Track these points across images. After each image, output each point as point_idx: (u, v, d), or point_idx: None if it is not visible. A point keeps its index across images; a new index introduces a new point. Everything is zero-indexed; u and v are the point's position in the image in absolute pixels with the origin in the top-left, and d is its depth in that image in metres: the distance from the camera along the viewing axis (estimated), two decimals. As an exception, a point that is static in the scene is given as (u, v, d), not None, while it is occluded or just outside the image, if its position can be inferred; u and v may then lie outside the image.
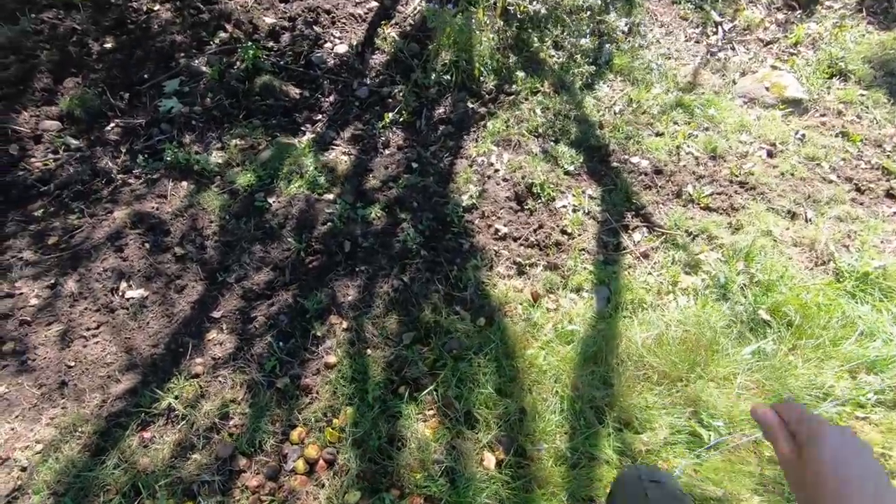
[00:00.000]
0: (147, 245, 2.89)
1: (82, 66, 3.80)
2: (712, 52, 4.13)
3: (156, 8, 4.22)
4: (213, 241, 2.92)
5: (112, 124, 3.52)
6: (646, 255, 2.95)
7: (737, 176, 3.31)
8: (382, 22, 4.33)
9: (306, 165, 3.24)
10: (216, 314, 2.70)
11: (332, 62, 4.04)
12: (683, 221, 3.07)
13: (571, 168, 3.29)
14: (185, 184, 3.17)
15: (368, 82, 3.94)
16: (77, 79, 3.74)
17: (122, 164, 3.30)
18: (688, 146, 3.45)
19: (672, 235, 3.01)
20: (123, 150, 3.40)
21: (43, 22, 4.00)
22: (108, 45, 3.97)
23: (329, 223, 2.99)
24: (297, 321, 2.67)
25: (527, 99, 3.67)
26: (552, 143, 3.40)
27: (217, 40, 4.05)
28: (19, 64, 3.76)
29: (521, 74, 3.78)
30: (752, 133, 3.55)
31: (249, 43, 4.00)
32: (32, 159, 3.34)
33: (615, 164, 3.36)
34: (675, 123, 3.58)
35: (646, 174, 3.31)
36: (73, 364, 2.52)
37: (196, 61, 3.88)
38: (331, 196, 3.15)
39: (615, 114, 3.64)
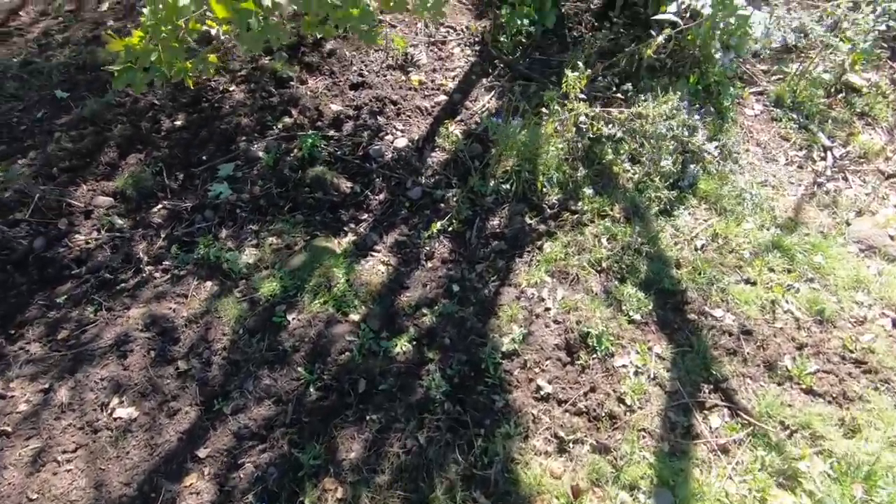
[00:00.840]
0: (153, 353, 2.46)
1: (148, 143, 3.57)
2: (819, 183, 3.32)
3: (231, 88, 3.99)
4: (221, 357, 2.46)
5: (160, 206, 3.21)
6: (725, 450, 2.18)
7: (851, 351, 2.47)
8: (447, 119, 3.87)
9: (337, 278, 2.73)
10: (202, 452, 2.20)
11: (390, 156, 3.60)
12: (778, 408, 2.27)
13: (638, 316, 2.58)
14: (209, 284, 2.75)
15: (423, 182, 3.44)
16: (141, 155, 3.50)
17: (155, 253, 2.94)
18: (786, 302, 2.65)
19: (762, 428, 2.22)
20: (163, 236, 3.06)
21: (127, 95, 3.86)
22: (178, 123, 3.74)
23: (347, 353, 2.45)
24: (287, 478, 2.11)
25: (592, 221, 3.02)
26: (616, 282, 2.71)
27: (280, 125, 3.73)
28: (94, 136, 3.58)
29: (588, 192, 3.14)
30: (872, 293, 2.70)
31: (311, 131, 3.64)
32: (77, 236, 3.07)
33: (692, 315, 2.61)
34: (771, 270, 2.80)
35: (730, 334, 2.54)
36: (35, 497, 2.09)
37: (255, 146, 3.56)
38: (356, 317, 2.61)
39: (696, 250, 2.90)
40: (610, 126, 3.14)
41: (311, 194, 3.28)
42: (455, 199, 3.26)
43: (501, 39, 4.30)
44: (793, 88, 3.87)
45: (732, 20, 3.50)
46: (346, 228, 3.11)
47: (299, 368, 2.38)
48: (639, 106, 3.32)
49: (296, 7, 2.87)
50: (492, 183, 3.26)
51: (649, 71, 3.97)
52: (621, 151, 3.38)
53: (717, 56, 3.68)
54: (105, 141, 3.53)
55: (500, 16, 4.36)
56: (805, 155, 3.52)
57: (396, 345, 2.46)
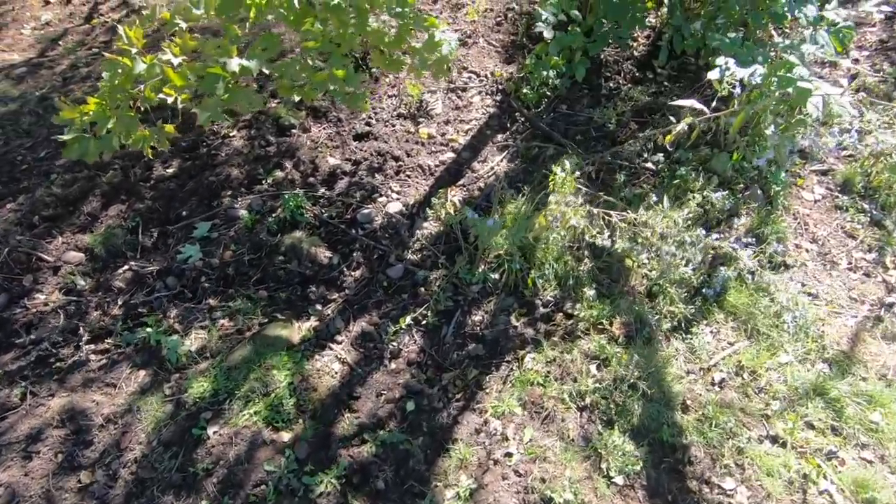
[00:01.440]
0: (60, 457, 2.14)
1: (133, 193, 3.31)
2: (889, 304, 2.56)
3: (232, 134, 3.69)
4: (129, 472, 2.10)
5: (126, 267, 2.93)
6: None
7: (908, 571, 1.78)
8: (449, 183, 3.37)
9: (277, 382, 2.32)
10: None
11: (379, 222, 3.15)
12: None
13: (620, 478, 1.99)
14: (142, 374, 2.41)
15: (408, 257, 2.97)
16: (123, 206, 3.26)
17: (103, 326, 2.64)
18: (824, 479, 1.97)
19: None
20: (120, 303, 2.76)
21: (131, 134, 3.65)
22: (171, 171, 3.47)
23: (262, 487, 2.03)
24: None
25: (587, 333, 2.43)
26: (601, 426, 2.12)
27: (271, 179, 3.37)
28: (84, 181, 3.36)
29: (590, 293, 2.55)
30: (947, 480, 1.97)
31: (301, 189, 3.26)
32: (39, 295, 2.83)
33: (693, 483, 1.99)
34: (809, 426, 2.11)
35: (742, 520, 1.90)
36: None
37: (239, 203, 3.22)
38: (287, 436, 2.18)
39: (712, 385, 2.25)
40: (608, 235, 2.53)
41: (284, 265, 2.89)
42: (438, 283, 2.76)
43: (525, 91, 3.75)
44: (866, 171, 3.08)
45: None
46: (311, 310, 2.69)
47: (203, 503, 1.97)
48: (653, 211, 2.68)
49: (268, 71, 2.49)
50: (481, 269, 2.74)
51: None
52: (639, 240, 2.76)
53: (770, 132, 2.97)
54: (93, 188, 3.31)
55: (525, 66, 3.82)
56: (875, 259, 2.75)
57: (321, 482, 2.00)
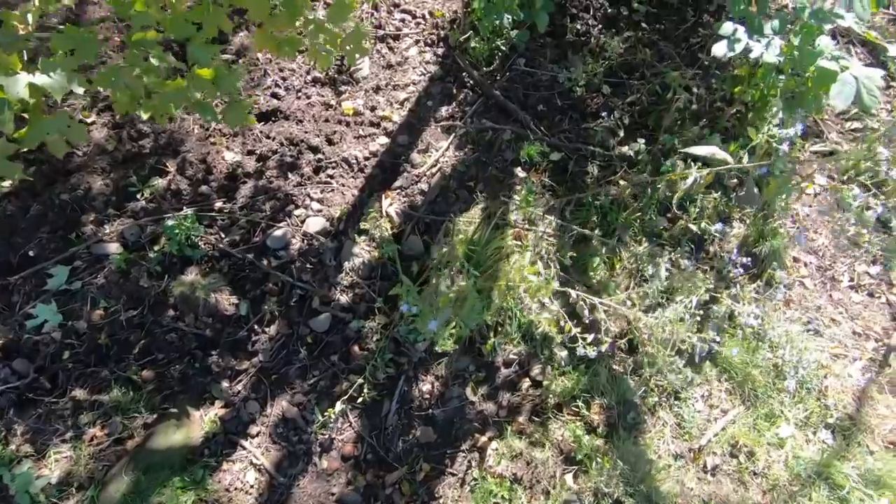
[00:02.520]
0: None
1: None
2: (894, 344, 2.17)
3: (90, 121, 2.70)
4: None
5: None
6: None
7: None
8: (384, 185, 2.61)
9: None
10: None
11: (296, 247, 2.43)
12: None
13: None
14: None
15: (335, 299, 2.31)
16: None
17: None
18: None
19: None
20: None
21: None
22: (5, 186, 2.53)
23: None
24: None
25: (559, 412, 1.95)
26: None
27: (148, 192, 2.50)
28: None
29: (561, 354, 2.03)
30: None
31: (186, 210, 2.43)
32: None
33: None
34: (812, 523, 1.80)
35: None
36: None
37: (106, 231, 2.38)
38: None
39: (704, 473, 1.87)
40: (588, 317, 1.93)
41: (175, 323, 2.19)
42: (375, 338, 2.16)
43: (473, 44, 2.88)
44: (874, 157, 2.54)
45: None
46: (214, 390, 2.07)
47: None
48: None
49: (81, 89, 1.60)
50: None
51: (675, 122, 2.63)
52: (621, 254, 2.21)
53: (776, 117, 2.34)
54: None
55: (472, 10, 2.89)
56: (880, 274, 2.33)
57: None
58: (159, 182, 2.45)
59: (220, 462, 1.84)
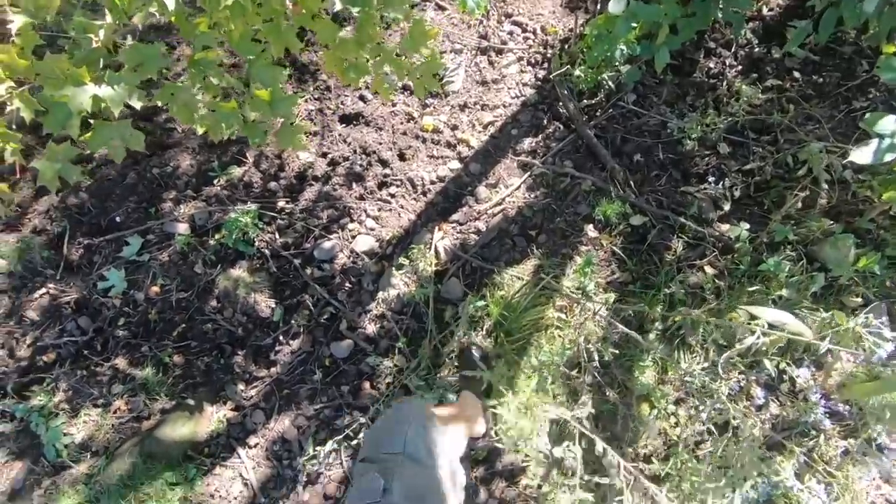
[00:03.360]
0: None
1: (66, 183, 2.68)
2: None
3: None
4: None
5: (41, 292, 2.41)
6: None
7: None
8: (442, 214, 2.43)
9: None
10: None
11: (340, 264, 2.37)
12: None
13: None
14: (17, 467, 2.00)
15: (362, 327, 2.23)
16: (55, 198, 2.64)
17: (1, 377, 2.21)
18: None
19: None
20: (28, 343, 2.29)
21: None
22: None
23: None
24: None
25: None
26: None
27: (224, 179, 2.59)
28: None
29: (572, 461, 1.75)
30: None
31: (250, 205, 2.47)
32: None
33: None
34: None
35: None
36: None
37: (180, 211, 2.50)
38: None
39: None
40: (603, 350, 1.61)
41: (214, 315, 2.26)
42: (388, 380, 2.06)
43: (578, 73, 2.55)
44: None
45: None
46: (230, 391, 2.11)
47: None
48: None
49: (139, 103, 1.62)
50: (446, 374, 1.99)
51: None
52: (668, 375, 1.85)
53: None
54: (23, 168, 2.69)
55: (583, 36, 2.55)
56: None
57: None
58: (236, 171, 2.50)
59: (215, 465, 1.87)
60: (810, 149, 2.18)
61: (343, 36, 1.57)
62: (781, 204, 2.15)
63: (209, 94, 1.70)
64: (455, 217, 2.32)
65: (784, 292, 1.82)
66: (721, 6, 2.16)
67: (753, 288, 1.84)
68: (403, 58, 1.90)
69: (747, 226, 1.98)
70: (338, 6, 1.57)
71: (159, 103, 1.64)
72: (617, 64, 2.41)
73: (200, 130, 1.68)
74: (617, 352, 1.76)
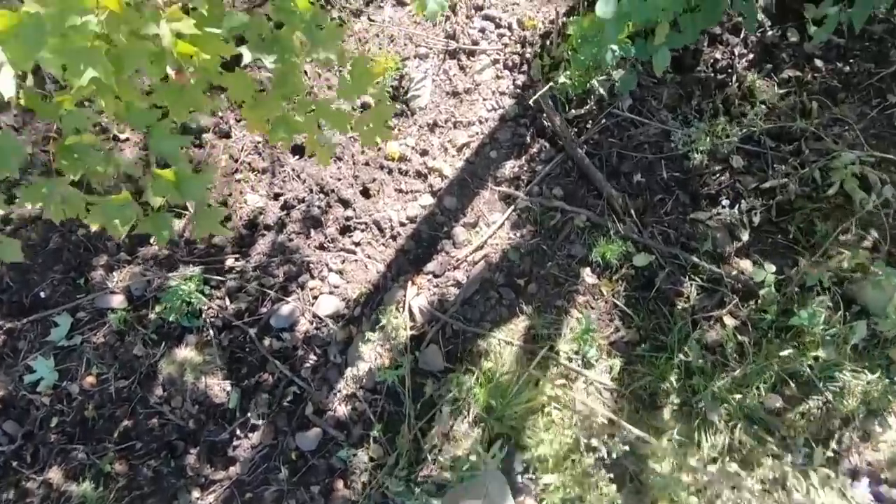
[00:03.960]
0: None
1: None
2: None
3: (123, 137, 2.40)
4: None
5: None
6: None
7: None
8: (414, 265, 2.07)
9: None
10: None
11: (303, 331, 2.02)
12: None
13: None
14: None
15: (331, 410, 1.91)
16: None
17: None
18: None
19: None
20: None
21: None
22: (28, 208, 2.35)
23: None
24: None
25: None
26: None
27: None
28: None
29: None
30: None
31: (193, 269, 2.10)
32: None
33: None
34: None
35: None
36: None
37: (114, 279, 2.13)
38: None
39: None
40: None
41: (161, 406, 1.93)
42: (363, 479, 1.75)
43: (563, 79, 2.14)
44: None
45: None
46: (182, 500, 1.80)
47: None
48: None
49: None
50: (428, 472, 1.68)
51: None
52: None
53: None
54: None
55: (565, 38, 2.12)
56: None
57: None
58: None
59: None
60: (841, 160, 1.81)
61: (263, 87, 1.18)
62: (810, 231, 1.79)
63: (96, 182, 1.33)
64: (430, 267, 1.96)
65: (821, 353, 1.49)
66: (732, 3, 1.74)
67: (785, 352, 1.50)
68: (343, 106, 1.52)
69: (773, 268, 1.63)
70: (247, 59, 1.18)
71: (28, 205, 1.27)
72: (608, 69, 1.99)
73: (94, 226, 1.31)
74: (627, 448, 1.44)
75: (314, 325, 1.96)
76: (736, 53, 2.18)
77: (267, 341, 1.94)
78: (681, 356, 1.59)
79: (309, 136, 1.39)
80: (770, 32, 2.19)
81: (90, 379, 1.93)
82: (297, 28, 1.22)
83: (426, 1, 1.82)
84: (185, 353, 1.93)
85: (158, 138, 1.27)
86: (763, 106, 1.94)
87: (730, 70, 2.14)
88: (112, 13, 0.96)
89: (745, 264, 1.77)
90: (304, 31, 1.25)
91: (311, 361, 1.91)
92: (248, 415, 1.81)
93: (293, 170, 2.21)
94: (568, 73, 2.08)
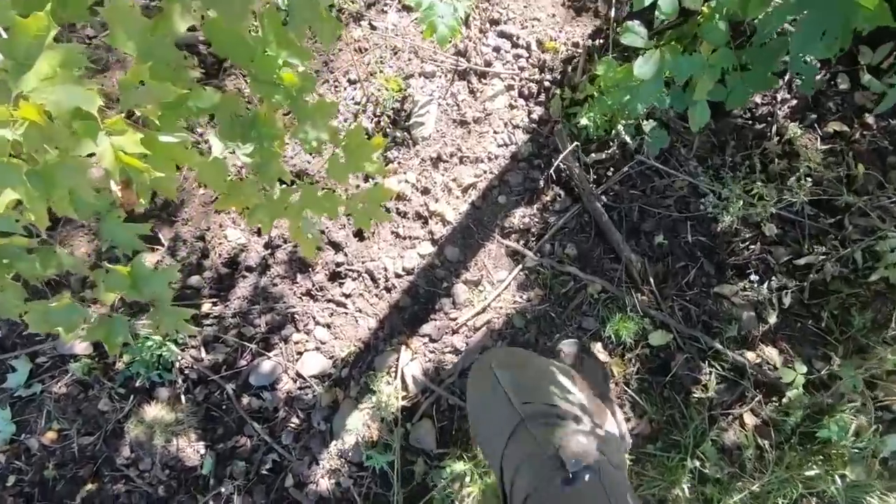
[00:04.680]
0: None
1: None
2: None
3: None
4: None
5: None
6: None
7: None
8: (408, 327, 1.86)
9: None
10: None
11: (285, 390, 1.82)
12: None
13: None
14: None
15: (314, 483, 1.75)
16: None
17: None
18: None
19: None
20: None
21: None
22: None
23: None
24: None
25: None
26: None
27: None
28: None
29: None
30: None
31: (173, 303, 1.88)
32: None
33: None
34: None
35: None
36: None
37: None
38: None
39: None
40: None
41: (127, 468, 1.76)
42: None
43: (583, 120, 1.89)
44: None
45: None
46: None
47: None
48: None
49: None
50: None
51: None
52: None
53: None
54: None
55: (589, 65, 1.86)
56: None
57: None
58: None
59: None
60: (887, 243, 1.60)
61: (239, 172, 0.96)
62: (845, 320, 1.61)
63: (36, 282, 1.12)
64: (426, 329, 1.76)
65: (849, 473, 1.33)
66: (790, 54, 1.48)
67: (811, 472, 1.35)
68: (335, 189, 1.32)
69: (803, 368, 1.46)
70: (217, 150, 0.95)
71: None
72: (637, 119, 1.74)
73: (33, 328, 1.11)
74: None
75: (297, 384, 1.77)
76: (778, 98, 1.92)
77: (245, 399, 1.76)
78: (695, 462, 1.42)
79: (291, 224, 1.16)
80: (818, 77, 1.93)
81: (51, 434, 1.74)
82: (279, 106, 0.98)
83: (436, 24, 1.55)
84: (156, 410, 1.74)
85: (111, 226, 1.06)
86: (805, 166, 1.71)
87: (770, 118, 1.89)
88: (33, 125, 0.72)
89: (771, 352, 1.59)
90: (290, 105, 1.00)
91: (292, 426, 1.73)
92: (222, 489, 1.64)
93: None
94: (591, 114, 1.82)
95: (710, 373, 1.59)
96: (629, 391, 1.58)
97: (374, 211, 1.22)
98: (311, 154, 1.91)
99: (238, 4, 0.80)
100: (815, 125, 1.90)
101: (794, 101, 1.97)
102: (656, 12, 1.44)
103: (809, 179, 1.73)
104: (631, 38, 1.45)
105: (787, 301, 1.67)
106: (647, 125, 1.75)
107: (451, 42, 2.05)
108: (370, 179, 1.96)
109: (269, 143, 1.04)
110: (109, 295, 1.07)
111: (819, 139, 1.88)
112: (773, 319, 1.66)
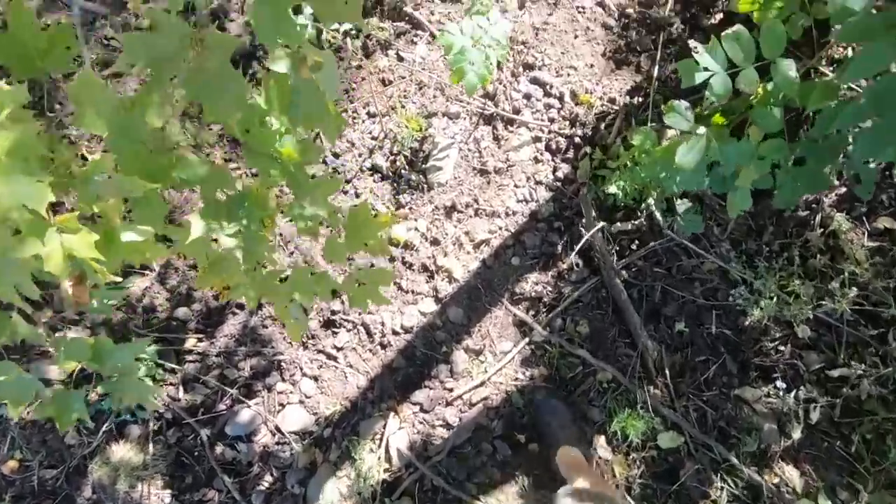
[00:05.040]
0: None
1: None
2: None
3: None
4: None
5: None
6: None
7: None
8: (400, 391, 1.73)
9: None
10: None
11: (262, 444, 1.70)
12: None
13: None
14: None
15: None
16: None
17: None
18: None
19: None
20: None
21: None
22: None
23: None
24: None
25: None
26: None
27: (121, 297, 1.87)
28: None
29: None
30: None
31: (148, 348, 1.76)
32: None
33: None
34: None
35: None
36: None
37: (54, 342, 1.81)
38: None
39: None
40: None
41: (88, 509, 1.64)
42: None
43: (611, 188, 1.74)
44: None
45: None
46: None
47: None
48: None
49: None
50: None
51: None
52: None
53: None
54: None
55: (624, 128, 1.70)
56: None
57: None
58: (136, 286, 1.77)
59: None
60: (934, 368, 1.42)
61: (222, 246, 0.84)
62: (878, 449, 1.44)
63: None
64: (419, 397, 1.63)
65: None
66: (851, 154, 1.33)
67: None
68: (331, 270, 1.18)
69: (828, 503, 1.28)
70: (197, 231, 0.82)
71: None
72: (672, 196, 1.58)
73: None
74: None
75: (276, 439, 1.64)
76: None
77: (219, 448, 1.63)
78: None
79: (277, 305, 1.03)
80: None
81: (12, 463, 1.63)
82: (274, 183, 0.84)
83: (466, 70, 1.41)
84: (123, 450, 1.62)
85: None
86: (850, 270, 1.54)
87: (815, 205, 1.72)
88: (-34, 222, 0.59)
89: (792, 473, 1.43)
90: (288, 180, 0.87)
91: (265, 485, 1.60)
92: (183, 547, 1.52)
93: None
94: (621, 182, 1.67)
95: (722, 489, 1.44)
96: (629, 498, 1.43)
97: (373, 294, 1.09)
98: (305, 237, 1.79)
99: (229, 99, 0.66)
100: (864, 218, 1.73)
101: (843, 189, 1.80)
102: (706, 92, 1.29)
103: (850, 270, 1.56)
104: (675, 120, 1.30)
105: (814, 416, 1.51)
106: (681, 205, 1.59)
107: (479, 90, 1.91)
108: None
109: (256, 225, 0.91)
110: (69, 365, 0.96)
111: (866, 234, 1.70)
112: (797, 435, 1.50)
